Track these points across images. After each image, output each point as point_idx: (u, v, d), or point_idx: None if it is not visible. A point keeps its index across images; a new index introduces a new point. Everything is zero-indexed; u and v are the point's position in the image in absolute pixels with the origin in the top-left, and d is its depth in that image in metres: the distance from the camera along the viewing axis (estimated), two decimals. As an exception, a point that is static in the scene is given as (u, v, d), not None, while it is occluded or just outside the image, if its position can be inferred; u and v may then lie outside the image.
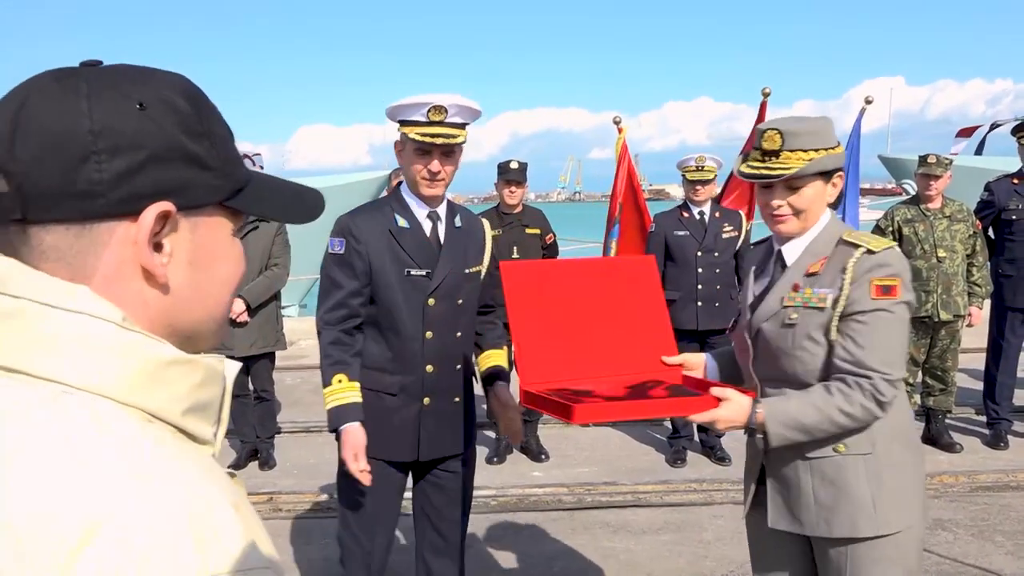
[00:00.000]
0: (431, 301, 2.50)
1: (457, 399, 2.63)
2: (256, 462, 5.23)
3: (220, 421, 0.74)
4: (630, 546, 3.94)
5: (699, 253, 4.94)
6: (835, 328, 1.88)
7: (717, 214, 5.06)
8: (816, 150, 1.92)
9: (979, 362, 5.90)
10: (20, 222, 0.66)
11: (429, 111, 2.35)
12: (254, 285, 5.01)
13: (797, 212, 1.97)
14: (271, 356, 5.27)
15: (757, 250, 2.22)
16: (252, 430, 5.28)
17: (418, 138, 2.38)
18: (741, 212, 5.24)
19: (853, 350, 1.86)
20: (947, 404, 5.28)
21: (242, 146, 8.56)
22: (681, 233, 5.01)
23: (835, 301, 1.88)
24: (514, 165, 5.32)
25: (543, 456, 5.23)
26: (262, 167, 12.78)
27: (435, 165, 2.43)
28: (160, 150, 0.68)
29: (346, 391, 2.47)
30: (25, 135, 0.65)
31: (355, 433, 2.44)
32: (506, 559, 3.84)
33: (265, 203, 0.79)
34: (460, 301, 2.57)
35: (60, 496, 0.58)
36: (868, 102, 6.35)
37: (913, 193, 5.52)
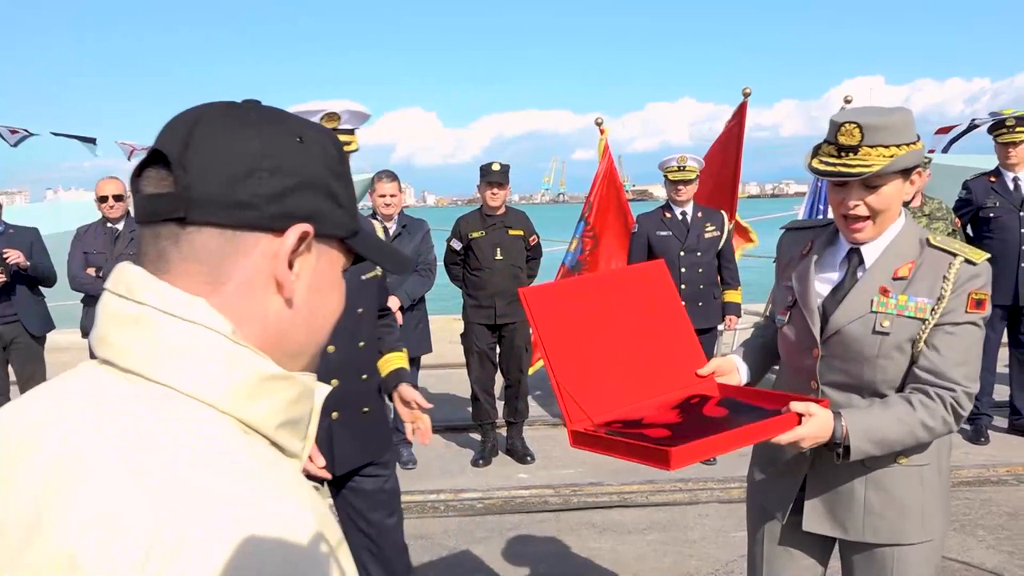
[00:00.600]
0: None
1: (366, 409, 2.61)
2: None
3: (307, 437, 0.80)
4: (616, 546, 3.95)
5: (682, 253, 4.96)
6: (923, 337, 1.81)
7: (699, 214, 5.09)
8: (898, 146, 1.76)
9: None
10: (179, 221, 0.72)
11: (323, 118, 2.37)
12: None
13: (874, 214, 1.83)
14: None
15: (796, 236, 2.08)
16: None
17: None
18: (723, 212, 5.27)
19: (938, 361, 1.79)
20: (929, 400, 5.32)
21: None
22: (664, 233, 5.03)
23: (932, 311, 1.80)
24: (496, 167, 5.33)
25: (529, 458, 5.23)
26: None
27: None
28: (310, 179, 0.76)
29: None
30: (198, 147, 0.72)
31: None
32: (493, 561, 3.84)
33: (373, 250, 0.85)
34: (360, 310, 2.55)
35: (153, 501, 0.62)
36: (847, 101, 6.39)
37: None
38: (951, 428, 1.80)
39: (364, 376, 2.59)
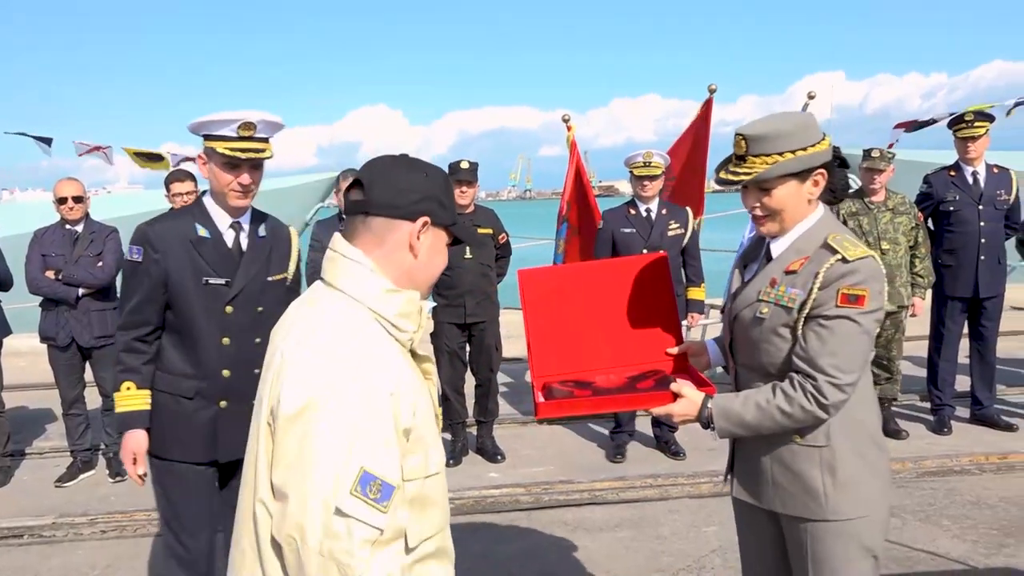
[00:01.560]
0: (229, 309, 2.62)
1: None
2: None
3: (419, 325, 1.51)
4: (588, 544, 3.95)
5: (645, 250, 4.96)
6: (799, 328, 1.95)
7: (664, 211, 5.09)
8: (782, 153, 1.93)
9: (922, 349, 6.06)
10: (365, 213, 1.49)
11: (239, 127, 2.48)
12: None
13: (772, 213, 2.01)
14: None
15: (753, 239, 2.29)
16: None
17: (228, 153, 2.50)
18: (688, 209, 5.28)
19: (807, 349, 1.93)
20: (893, 392, 5.41)
21: (188, 150, 8.40)
22: (628, 230, 5.02)
23: (802, 304, 1.94)
24: (465, 165, 5.29)
25: (499, 457, 5.21)
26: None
27: (246, 178, 2.56)
28: (430, 195, 1.51)
29: (133, 399, 2.61)
30: (375, 177, 1.50)
31: (135, 439, 2.61)
32: (464, 562, 3.79)
33: (462, 232, 1.58)
34: (260, 309, 2.67)
35: (322, 339, 1.39)
36: (811, 97, 6.45)
37: (855, 187, 5.65)
38: (814, 415, 1.93)
39: (256, 371, 2.64)
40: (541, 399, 2.12)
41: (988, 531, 3.94)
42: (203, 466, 2.67)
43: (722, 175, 2.05)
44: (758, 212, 2.02)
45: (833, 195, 2.07)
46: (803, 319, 1.94)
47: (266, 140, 2.56)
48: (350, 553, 1.25)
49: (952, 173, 5.35)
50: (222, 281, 2.61)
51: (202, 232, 2.61)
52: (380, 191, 1.48)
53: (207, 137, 2.53)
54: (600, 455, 5.17)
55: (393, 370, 1.37)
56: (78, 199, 4.89)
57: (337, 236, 1.52)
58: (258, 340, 2.63)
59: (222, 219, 2.65)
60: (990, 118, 5.30)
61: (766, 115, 2.04)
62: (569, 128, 6.14)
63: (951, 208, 5.30)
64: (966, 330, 5.54)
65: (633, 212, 5.09)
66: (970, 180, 5.28)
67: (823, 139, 1.99)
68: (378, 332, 1.42)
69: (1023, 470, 4.74)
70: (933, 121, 7.26)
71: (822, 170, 2.00)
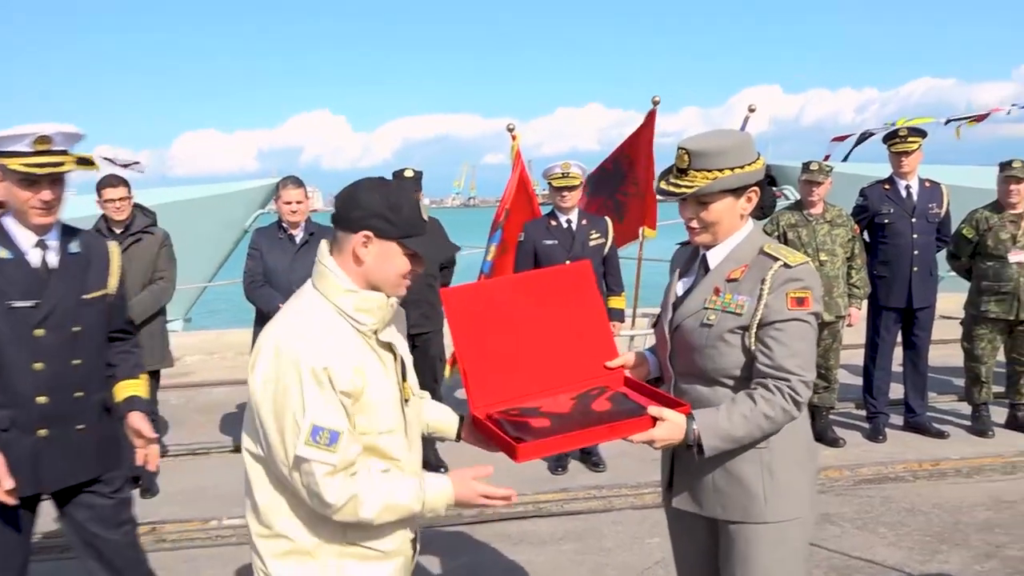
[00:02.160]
0: (39, 332, 2.48)
1: (81, 427, 2.59)
2: (137, 490, 4.92)
3: (380, 319, 1.83)
4: (532, 558, 3.91)
5: (567, 261, 4.94)
6: (754, 335, 2.01)
7: (584, 221, 5.07)
8: (721, 170, 2.02)
9: (857, 358, 6.19)
10: (336, 228, 1.83)
11: (34, 141, 2.36)
12: (137, 301, 4.72)
13: (707, 225, 2.09)
14: (156, 375, 4.98)
15: (683, 251, 2.33)
16: (133, 455, 4.96)
17: (24, 169, 2.37)
18: (607, 219, 5.28)
19: (772, 356, 1.99)
20: (830, 401, 5.51)
21: (122, 152, 8.17)
22: (549, 242, 4.99)
23: (754, 310, 2.01)
24: (409, 173, 5.23)
25: (442, 469, 5.13)
26: (142, 172, 12.16)
27: (47, 194, 2.44)
28: (376, 212, 1.78)
29: None
30: (344, 192, 1.84)
31: None
32: (406, 579, 3.73)
33: (416, 245, 1.81)
34: (77, 329, 2.55)
35: (285, 328, 1.80)
36: (751, 110, 6.55)
37: (793, 199, 5.74)
38: (792, 415, 2.00)
39: (79, 394, 2.58)
40: (506, 438, 1.96)
41: (922, 538, 4.02)
42: (23, 501, 2.48)
43: (663, 186, 2.12)
44: (695, 224, 2.10)
45: (762, 211, 2.15)
46: (756, 326, 2.01)
47: (65, 152, 2.43)
48: (315, 483, 1.73)
49: (887, 187, 5.49)
50: (29, 303, 2.46)
51: (3, 254, 2.46)
52: (340, 208, 1.82)
53: (0, 154, 2.38)
54: (542, 467, 5.13)
55: (333, 348, 1.75)
56: None
57: (322, 244, 1.87)
58: (77, 362, 2.55)
59: (25, 238, 2.50)
60: (923, 133, 5.46)
61: (708, 131, 2.12)
62: (514, 138, 6.12)
63: (886, 221, 5.43)
64: (900, 339, 5.68)
65: (554, 223, 5.06)
66: (904, 194, 5.42)
67: (758, 158, 2.09)
68: (336, 321, 1.80)
69: (954, 477, 4.87)
70: (869, 134, 7.47)
71: (755, 187, 2.10)
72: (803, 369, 1.99)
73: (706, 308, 2.08)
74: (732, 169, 2.02)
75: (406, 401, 1.93)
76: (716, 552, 2.19)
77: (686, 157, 2.04)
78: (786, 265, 2.02)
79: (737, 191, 2.06)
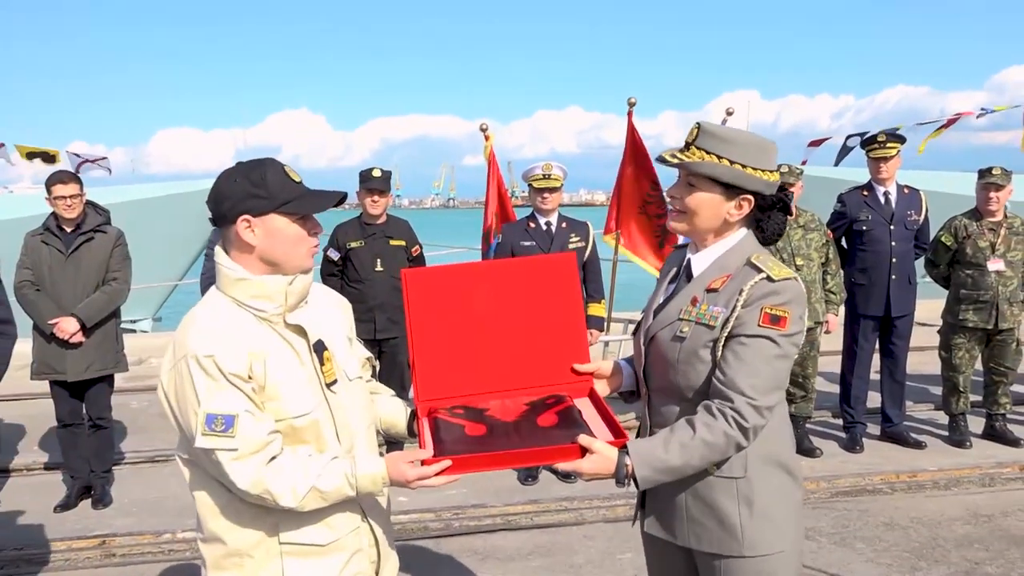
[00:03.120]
0: None
1: None
2: (89, 500, 4.71)
3: (283, 304, 1.79)
4: (498, 575, 3.76)
5: None
6: (720, 347, 1.85)
7: (564, 224, 4.95)
8: (720, 157, 1.86)
9: (833, 365, 6.10)
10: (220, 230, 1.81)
11: None
12: (90, 302, 4.52)
13: (687, 211, 1.93)
14: (109, 379, 4.78)
15: (676, 255, 2.14)
16: (85, 464, 4.75)
17: None
18: (588, 222, 5.16)
19: (727, 371, 1.82)
20: (807, 410, 5.41)
21: (96, 150, 8.02)
22: (527, 244, 4.87)
23: (725, 322, 1.84)
24: (377, 173, 5.07)
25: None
26: (109, 170, 11.90)
27: None
28: (242, 195, 1.75)
29: None
30: (211, 192, 1.81)
31: None
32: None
33: (303, 204, 1.79)
34: None
35: (181, 328, 1.79)
36: (729, 113, 6.46)
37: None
38: (738, 442, 1.81)
39: None
40: (430, 444, 1.83)
41: (901, 554, 3.91)
42: None
43: (663, 153, 1.98)
44: (675, 205, 1.96)
45: (763, 236, 1.97)
46: (723, 338, 1.84)
47: None
48: (223, 472, 1.69)
49: (865, 193, 5.39)
50: None
51: None
52: (212, 208, 1.79)
53: None
54: (512, 477, 4.97)
55: (219, 335, 1.72)
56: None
57: (217, 247, 1.83)
58: None
59: None
60: (901, 139, 5.37)
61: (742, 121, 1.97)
62: (487, 138, 5.97)
63: (864, 227, 5.33)
64: (877, 347, 5.59)
65: (533, 225, 4.93)
66: (882, 200, 5.32)
67: (772, 171, 1.91)
68: (234, 312, 1.77)
69: (932, 489, 4.78)
70: (851, 141, 7.41)
71: (750, 196, 1.90)
72: (755, 390, 1.79)
73: (680, 319, 1.91)
74: (733, 163, 1.86)
75: (329, 385, 1.84)
76: None
77: (695, 131, 1.91)
78: (769, 278, 1.84)
79: (729, 189, 1.88)
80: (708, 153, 1.87)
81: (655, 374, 1.98)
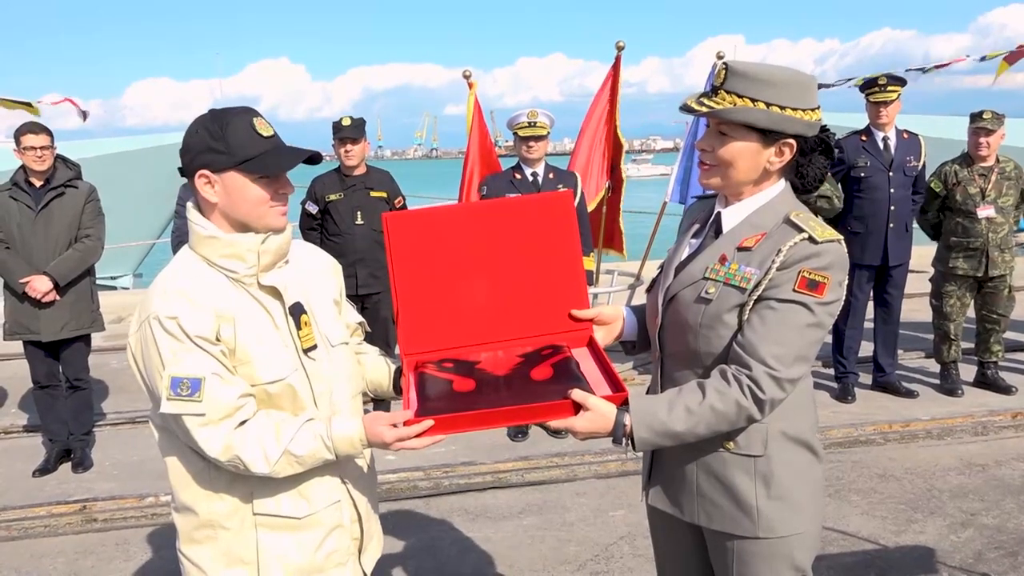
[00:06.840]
0: None
1: None
2: (69, 463, 4.60)
3: (255, 264, 1.68)
4: (490, 535, 3.69)
5: None
6: (748, 310, 1.66)
7: (551, 175, 4.77)
8: (755, 100, 1.64)
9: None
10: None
11: None
12: (62, 260, 4.35)
13: (720, 164, 1.72)
14: (86, 339, 4.64)
15: (700, 205, 1.95)
16: (63, 426, 4.63)
17: None
18: (576, 173, 4.99)
19: (748, 334, 1.65)
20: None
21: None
22: (513, 195, 4.71)
23: (757, 284, 1.65)
24: (347, 122, 4.89)
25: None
26: (85, 113, 11.55)
27: None
28: (200, 149, 1.63)
29: None
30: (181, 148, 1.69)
31: None
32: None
33: (264, 164, 1.63)
34: None
35: (149, 289, 1.69)
36: (720, 57, 6.24)
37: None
38: (750, 414, 1.65)
39: None
40: (414, 401, 1.70)
41: (896, 506, 3.87)
42: None
43: (687, 101, 1.76)
44: (707, 159, 1.75)
45: (802, 183, 1.77)
46: (752, 301, 1.65)
47: None
48: (192, 438, 1.61)
49: (864, 138, 5.23)
50: None
51: None
52: (182, 160, 1.67)
53: None
54: (501, 434, 4.89)
55: (185, 295, 1.61)
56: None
57: (189, 202, 1.73)
58: None
59: None
60: (902, 82, 5.19)
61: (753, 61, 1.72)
62: (471, 86, 5.74)
63: (861, 174, 5.18)
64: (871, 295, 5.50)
65: (519, 177, 4.73)
66: (881, 146, 5.17)
67: (813, 110, 1.69)
68: (204, 271, 1.67)
69: (925, 439, 4.74)
70: (847, 82, 7.22)
71: (792, 141, 1.69)
72: (779, 362, 1.61)
73: (706, 279, 1.71)
74: (769, 105, 1.64)
75: (307, 350, 1.73)
76: (703, 555, 1.91)
77: (723, 74, 1.68)
78: (811, 239, 1.63)
79: (768, 135, 1.67)
80: (740, 97, 1.65)
81: (672, 337, 1.80)
